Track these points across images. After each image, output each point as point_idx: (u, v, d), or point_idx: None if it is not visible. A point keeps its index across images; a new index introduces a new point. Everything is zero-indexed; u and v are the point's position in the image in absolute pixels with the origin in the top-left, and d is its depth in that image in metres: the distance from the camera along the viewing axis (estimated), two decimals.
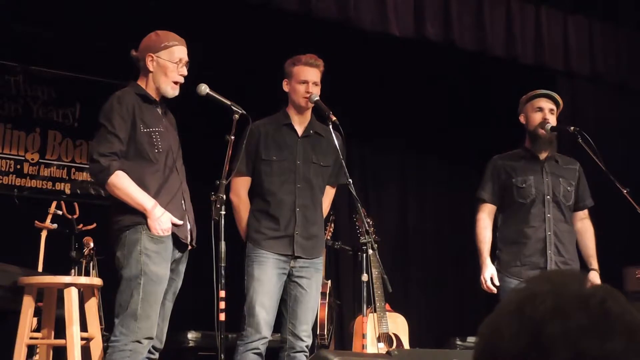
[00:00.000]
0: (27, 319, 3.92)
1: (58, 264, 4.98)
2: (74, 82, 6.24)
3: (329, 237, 5.67)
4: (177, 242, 3.75)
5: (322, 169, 4.36)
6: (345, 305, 6.59)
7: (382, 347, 5.29)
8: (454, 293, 7.26)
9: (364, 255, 5.12)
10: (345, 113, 4.62)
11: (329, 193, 4.48)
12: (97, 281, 4.20)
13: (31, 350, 4.43)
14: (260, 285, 4.14)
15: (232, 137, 3.79)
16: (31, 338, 4.02)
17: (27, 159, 6.07)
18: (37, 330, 4.18)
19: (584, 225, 4.73)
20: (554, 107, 4.62)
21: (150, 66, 3.78)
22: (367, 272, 5.09)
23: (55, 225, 5.16)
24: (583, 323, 0.92)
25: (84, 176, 6.20)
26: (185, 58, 3.82)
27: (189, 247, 3.84)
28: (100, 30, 5.71)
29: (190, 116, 4.83)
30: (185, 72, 3.82)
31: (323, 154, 4.36)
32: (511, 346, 0.93)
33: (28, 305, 3.93)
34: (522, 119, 4.65)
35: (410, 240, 7.28)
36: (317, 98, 4.24)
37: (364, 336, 5.13)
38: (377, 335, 5.34)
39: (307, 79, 4.26)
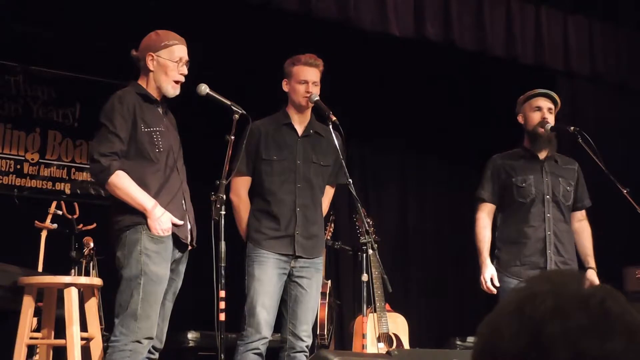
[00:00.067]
0: (27, 319, 3.91)
1: (58, 264, 4.98)
2: (74, 82, 6.23)
3: (329, 237, 5.67)
4: (177, 242, 3.75)
5: (322, 168, 4.36)
6: (345, 305, 6.58)
7: (382, 347, 5.29)
8: (454, 293, 7.26)
9: (364, 255, 5.11)
10: (345, 113, 4.62)
11: (329, 193, 4.48)
12: (97, 281, 4.20)
13: (31, 350, 4.42)
14: (260, 285, 4.13)
15: (232, 137, 3.79)
16: (31, 338, 4.02)
17: (27, 159, 6.07)
18: (37, 330, 4.18)
19: (582, 226, 4.73)
20: (553, 106, 4.61)
21: (151, 65, 3.78)
22: (367, 272, 5.09)
23: (55, 225, 5.16)
24: (583, 323, 0.92)
25: (84, 176, 6.20)
26: (186, 57, 3.82)
27: (189, 247, 3.84)
28: (100, 30, 5.71)
29: (190, 116, 4.83)
30: (186, 71, 3.82)
31: (323, 154, 4.35)
32: (511, 346, 0.93)
33: (28, 305, 3.93)
34: (520, 118, 4.64)
35: (410, 240, 7.28)
36: (317, 98, 4.24)
37: (364, 336, 5.12)
38: (377, 335, 5.34)
39: (306, 78, 4.26)
